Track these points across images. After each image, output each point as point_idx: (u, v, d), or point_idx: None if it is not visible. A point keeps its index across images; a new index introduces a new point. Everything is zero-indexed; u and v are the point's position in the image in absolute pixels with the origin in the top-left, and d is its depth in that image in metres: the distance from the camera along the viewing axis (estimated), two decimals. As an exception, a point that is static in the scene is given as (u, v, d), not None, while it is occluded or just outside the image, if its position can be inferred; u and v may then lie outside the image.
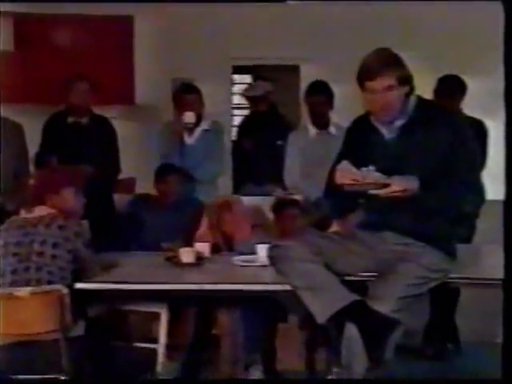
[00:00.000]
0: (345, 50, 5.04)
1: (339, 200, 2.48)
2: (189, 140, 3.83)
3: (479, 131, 3.62)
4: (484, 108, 4.02)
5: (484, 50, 4.73)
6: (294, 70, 5.59)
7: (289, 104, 5.51)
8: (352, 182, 2.28)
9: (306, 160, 3.86)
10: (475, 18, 4.78)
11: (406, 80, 2.36)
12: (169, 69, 5.29)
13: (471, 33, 5.04)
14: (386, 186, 2.26)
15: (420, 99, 2.44)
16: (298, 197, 3.70)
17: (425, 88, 3.90)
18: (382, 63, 2.32)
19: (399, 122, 2.40)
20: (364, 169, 2.29)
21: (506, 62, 2.15)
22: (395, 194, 2.27)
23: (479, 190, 2.36)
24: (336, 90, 3.87)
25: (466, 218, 2.47)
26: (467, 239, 3.46)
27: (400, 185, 2.27)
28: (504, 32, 2.14)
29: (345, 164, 2.33)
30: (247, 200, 3.72)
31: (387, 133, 2.43)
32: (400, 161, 2.36)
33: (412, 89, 2.40)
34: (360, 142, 2.48)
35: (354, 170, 2.29)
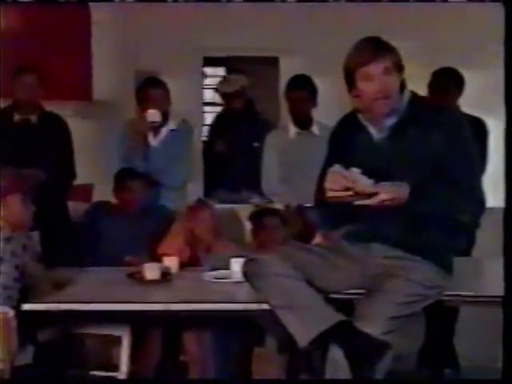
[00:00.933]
0: (330, 39, 5.08)
1: (331, 208, 2.50)
2: (154, 141, 3.83)
3: (478, 131, 3.68)
4: (484, 105, 4.09)
5: (485, 40, 4.81)
6: (273, 62, 5.62)
7: (267, 101, 5.52)
8: (339, 194, 2.30)
9: (286, 163, 3.88)
10: (476, 7, 4.86)
11: (400, 68, 2.39)
12: (131, 61, 5.28)
13: (471, 21, 5.12)
14: (373, 194, 2.28)
15: (414, 95, 2.46)
16: (278, 205, 3.72)
17: (418, 83, 3.99)
18: (376, 47, 2.35)
19: (390, 121, 2.42)
20: (354, 169, 2.31)
21: (507, 62, 2.23)
22: (384, 203, 2.30)
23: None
24: (320, 84, 3.89)
25: (463, 229, 2.49)
26: (466, 252, 3.51)
27: (389, 193, 2.29)
28: (504, 32, 2.23)
29: (336, 167, 2.35)
30: (221, 208, 3.73)
31: (376, 133, 2.46)
32: (390, 164, 2.38)
33: (404, 82, 2.43)
34: (346, 144, 2.50)
35: (345, 172, 2.31)
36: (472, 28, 5.11)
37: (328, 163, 2.49)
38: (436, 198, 2.34)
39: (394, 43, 2.42)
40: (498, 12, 2.36)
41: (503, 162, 2.27)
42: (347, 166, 2.35)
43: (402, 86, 2.42)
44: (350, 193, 2.28)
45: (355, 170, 2.31)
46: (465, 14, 4.96)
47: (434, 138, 2.36)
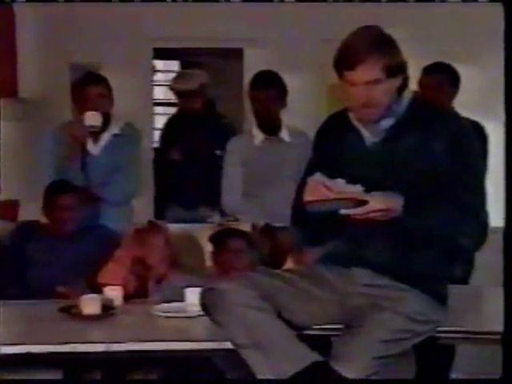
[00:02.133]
0: (305, 28, 5.12)
1: (312, 225, 2.50)
2: (93, 149, 3.82)
3: (478, 137, 3.72)
4: (481, 107, 4.16)
5: (484, 40, 4.90)
6: (237, 55, 5.64)
7: (230, 101, 5.55)
8: (321, 199, 2.30)
9: (252, 175, 3.89)
10: (475, 6, 4.96)
11: (398, 70, 2.39)
12: (66, 52, 5.24)
13: (470, 20, 5.22)
14: (362, 203, 2.29)
15: (416, 97, 2.49)
16: (243, 225, 3.72)
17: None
18: (365, 47, 2.34)
19: (386, 123, 2.44)
20: (339, 180, 2.31)
21: (507, 62, 2.28)
22: (373, 214, 2.31)
23: (483, 220, 2.39)
24: (290, 82, 3.91)
25: (462, 253, 2.51)
26: (463, 279, 3.53)
27: (380, 203, 2.30)
28: (504, 32, 2.30)
29: (318, 176, 2.35)
30: (175, 229, 3.71)
31: (369, 136, 2.47)
32: (383, 173, 2.40)
33: (406, 81, 2.44)
34: (333, 147, 2.52)
35: (328, 182, 2.31)
36: (471, 28, 5.21)
37: (311, 170, 2.49)
38: (433, 214, 2.35)
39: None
40: (497, 12, 2.43)
41: (503, 172, 2.29)
42: (333, 173, 2.35)
43: (404, 86, 2.44)
44: (335, 197, 2.28)
45: (340, 181, 2.31)
46: (464, 14, 5.07)
47: (435, 146, 2.38)
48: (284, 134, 3.90)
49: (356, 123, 2.49)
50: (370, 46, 2.34)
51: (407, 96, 2.46)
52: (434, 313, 2.44)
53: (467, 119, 3.72)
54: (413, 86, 3.84)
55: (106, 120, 3.77)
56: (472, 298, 3.10)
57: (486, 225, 2.40)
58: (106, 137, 3.83)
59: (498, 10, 2.38)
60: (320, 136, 2.63)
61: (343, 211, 2.30)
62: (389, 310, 2.36)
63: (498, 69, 2.47)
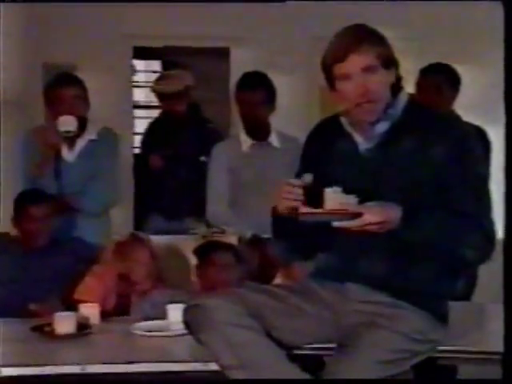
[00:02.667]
0: (294, 26, 5.14)
1: (297, 236, 2.51)
2: (68, 155, 3.81)
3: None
4: (481, 110, 4.18)
5: (484, 40, 4.94)
6: (222, 54, 5.66)
7: (215, 103, 5.56)
8: (312, 211, 2.30)
9: (239, 183, 3.89)
10: (475, 6, 5.01)
11: (391, 63, 2.41)
12: (38, 51, 5.23)
13: (470, 20, 5.26)
14: (356, 215, 2.29)
15: (412, 99, 2.49)
16: (229, 236, 3.72)
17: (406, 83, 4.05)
18: (356, 38, 2.36)
19: (381, 127, 2.44)
20: (328, 190, 2.31)
21: (507, 62, 2.31)
22: (368, 227, 2.31)
23: (486, 228, 2.39)
24: (280, 83, 3.92)
25: (466, 266, 2.51)
26: (465, 295, 3.55)
27: (375, 215, 2.29)
28: (504, 32, 2.32)
29: (309, 178, 2.35)
30: (156, 240, 3.71)
31: (363, 141, 2.47)
32: (378, 181, 2.40)
33: (400, 81, 2.45)
34: (324, 155, 2.52)
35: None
36: (471, 28, 5.24)
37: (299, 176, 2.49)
38: (433, 225, 2.35)
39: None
40: (497, 12, 2.47)
41: (503, 179, 2.30)
42: (325, 182, 2.35)
43: (398, 86, 2.44)
44: (328, 210, 2.28)
45: (336, 189, 2.31)
46: (464, 14, 5.10)
47: (433, 151, 2.38)
48: (273, 139, 3.91)
49: (349, 128, 2.49)
50: (361, 37, 2.37)
51: (403, 98, 2.46)
52: (433, 331, 2.44)
53: (468, 123, 3.76)
54: (410, 88, 3.89)
55: (82, 124, 3.77)
56: (474, 316, 3.11)
57: (492, 234, 2.39)
58: (81, 142, 3.82)
59: (498, 10, 2.41)
60: (309, 143, 2.63)
61: (336, 224, 2.31)
62: (386, 329, 2.36)
63: (497, 69, 2.49)
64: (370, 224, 2.29)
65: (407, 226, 2.31)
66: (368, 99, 2.37)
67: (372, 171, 2.42)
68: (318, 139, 2.59)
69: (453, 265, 2.44)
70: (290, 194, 2.33)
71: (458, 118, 2.69)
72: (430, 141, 2.39)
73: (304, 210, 2.31)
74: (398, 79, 2.45)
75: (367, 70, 2.35)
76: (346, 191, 2.32)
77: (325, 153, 2.52)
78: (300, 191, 2.32)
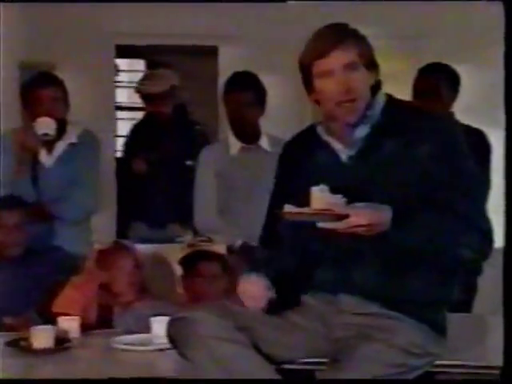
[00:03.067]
0: (286, 24, 5.15)
1: (284, 246, 2.52)
2: (46, 159, 3.82)
3: (478, 145, 3.76)
4: (481, 112, 4.20)
5: (484, 40, 4.97)
6: (210, 53, 5.66)
7: (202, 105, 5.56)
8: (297, 211, 2.31)
9: (227, 188, 3.90)
10: (476, 6, 5.05)
11: (372, 65, 2.43)
12: (15, 50, 5.21)
13: (470, 20, 5.29)
14: (343, 217, 2.30)
15: (390, 99, 2.50)
16: (217, 245, 3.72)
17: (403, 85, 4.07)
18: (339, 34, 2.39)
19: (360, 132, 2.45)
20: (315, 188, 2.32)
21: (507, 62, 2.33)
22: (356, 229, 2.31)
23: (481, 226, 2.40)
24: (270, 84, 3.93)
25: (465, 266, 2.51)
26: (465, 306, 3.55)
27: (363, 216, 2.30)
28: (504, 32, 2.36)
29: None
30: (140, 249, 3.71)
31: (343, 149, 2.48)
32: (364, 188, 2.40)
33: (379, 84, 2.47)
34: (304, 170, 2.52)
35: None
36: (471, 28, 5.27)
37: (277, 199, 2.52)
38: (425, 226, 2.36)
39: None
40: (497, 11, 2.49)
41: (503, 185, 2.31)
42: (302, 201, 2.35)
43: (376, 89, 2.46)
44: (313, 211, 2.29)
45: (323, 187, 2.32)
46: (464, 14, 5.13)
47: (418, 151, 2.39)
48: (263, 143, 3.91)
49: (326, 137, 2.50)
50: (343, 34, 2.40)
51: (381, 99, 2.47)
52: (431, 344, 2.44)
53: (466, 125, 3.78)
54: (408, 90, 3.91)
55: (61, 127, 3.77)
56: (474, 328, 3.11)
57: (488, 232, 2.41)
58: (60, 146, 3.82)
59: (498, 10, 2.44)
60: (285, 160, 2.64)
61: (320, 225, 2.31)
62: (380, 342, 2.36)
63: (497, 70, 2.50)
64: (358, 226, 2.29)
65: (398, 228, 2.32)
66: (349, 97, 2.39)
67: (357, 179, 2.42)
68: (295, 154, 2.59)
69: (450, 266, 2.45)
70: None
71: (438, 113, 2.68)
72: (412, 140, 2.40)
73: (289, 209, 2.32)
74: (378, 83, 2.46)
75: (350, 66, 2.38)
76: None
77: (304, 168, 2.53)
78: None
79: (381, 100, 2.47)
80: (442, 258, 2.41)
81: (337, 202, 2.30)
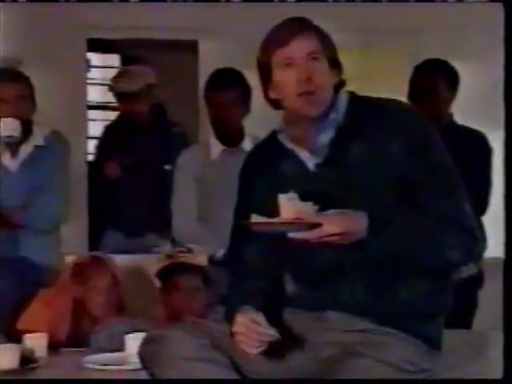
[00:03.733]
0: (271, 16, 5.15)
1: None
2: (10, 163, 3.82)
3: (478, 148, 3.80)
4: (481, 112, 4.23)
5: (484, 41, 5.02)
6: (190, 48, 5.67)
7: (181, 104, 5.57)
8: (265, 221, 2.33)
9: (208, 195, 3.92)
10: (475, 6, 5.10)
11: (334, 63, 2.46)
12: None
13: (470, 20, 5.33)
14: (314, 225, 2.32)
15: (354, 97, 2.52)
16: (198, 256, 3.72)
17: (399, 83, 4.09)
18: (300, 25, 2.43)
19: (325, 137, 2.45)
20: (283, 196, 2.34)
21: (507, 63, 2.39)
22: (330, 238, 2.32)
23: (466, 224, 2.41)
24: (255, 82, 3.92)
25: (454, 268, 2.53)
26: (465, 322, 3.59)
27: (336, 224, 2.30)
28: (504, 32, 2.43)
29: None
30: (115, 260, 3.72)
31: (309, 156, 2.48)
32: (335, 196, 2.40)
33: (342, 85, 2.49)
34: (269, 182, 2.52)
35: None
36: (471, 28, 5.32)
37: (240, 213, 2.55)
38: (405, 231, 2.37)
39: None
40: (497, 12, 2.55)
41: (503, 193, 2.34)
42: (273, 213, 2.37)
43: (339, 88, 2.48)
44: (283, 220, 2.31)
45: (292, 196, 2.33)
46: (464, 14, 5.18)
47: (389, 150, 2.41)
48: (247, 145, 3.91)
49: (289, 145, 2.50)
50: (304, 25, 2.43)
51: (343, 99, 2.49)
52: (425, 360, 2.45)
53: (466, 127, 3.82)
54: (404, 88, 3.94)
55: (27, 128, 3.77)
56: (472, 344, 3.15)
57: (473, 229, 2.42)
58: (26, 149, 3.82)
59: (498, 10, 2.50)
60: (247, 173, 2.65)
61: (291, 235, 2.32)
62: (371, 358, 2.36)
63: (497, 71, 2.55)
64: (331, 235, 2.30)
65: (375, 234, 2.33)
66: (311, 88, 2.40)
67: (327, 187, 2.43)
68: (258, 165, 2.61)
69: (438, 271, 2.46)
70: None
71: (407, 106, 2.67)
72: (380, 140, 2.42)
73: (256, 219, 2.34)
74: (342, 83, 2.48)
75: (311, 55, 2.40)
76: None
77: (269, 180, 2.54)
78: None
79: (343, 99, 2.48)
80: (428, 263, 2.42)
81: (307, 209, 2.31)
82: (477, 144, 3.80)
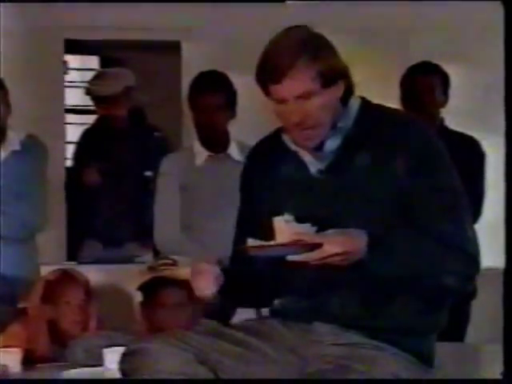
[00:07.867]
0: (258, 15, 5.17)
1: (257, 272, 2.55)
2: (-16, 169, 3.80)
3: (471, 155, 3.82)
4: (478, 116, 4.25)
5: (483, 41, 5.04)
6: (172, 49, 5.67)
7: (163, 108, 5.57)
8: (262, 244, 2.34)
9: (192, 202, 3.92)
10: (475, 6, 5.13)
11: (337, 75, 2.43)
12: None
13: (470, 20, 5.37)
14: (314, 247, 2.33)
15: (365, 104, 2.52)
16: (182, 268, 3.70)
17: (389, 89, 4.10)
18: (291, 53, 2.37)
19: (331, 144, 2.46)
20: (278, 219, 2.35)
21: (507, 63, 2.40)
22: (329, 259, 2.33)
23: (469, 250, 2.42)
24: (240, 85, 3.94)
25: (449, 295, 2.55)
26: (458, 335, 3.60)
27: (337, 244, 2.31)
28: (504, 32, 2.42)
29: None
30: (93, 271, 3.72)
31: (313, 161, 2.49)
32: (335, 205, 2.42)
33: (351, 88, 2.48)
34: (270, 181, 2.54)
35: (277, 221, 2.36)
36: (470, 28, 5.35)
37: (244, 212, 2.55)
38: (405, 252, 2.38)
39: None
40: (497, 12, 2.56)
41: (504, 198, 2.35)
42: (275, 210, 2.39)
43: (348, 94, 2.47)
44: (280, 242, 2.31)
45: (287, 218, 2.34)
46: (463, 14, 5.22)
47: (396, 164, 2.42)
48: (233, 151, 3.94)
49: (293, 146, 2.51)
50: (297, 50, 2.38)
51: (353, 107, 2.49)
52: (416, 376, 2.45)
53: (458, 132, 3.84)
54: (396, 90, 3.96)
55: (1, 132, 3.77)
56: (466, 358, 3.16)
57: (475, 255, 2.43)
58: (0, 154, 3.80)
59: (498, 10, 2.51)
60: (249, 169, 2.66)
61: (290, 257, 2.33)
62: (361, 374, 2.37)
63: (498, 71, 2.56)
64: (331, 256, 2.31)
65: (374, 255, 2.34)
66: (306, 126, 2.40)
67: (328, 194, 2.45)
68: (260, 163, 2.61)
69: (434, 296, 2.47)
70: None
71: (419, 120, 2.67)
72: (389, 152, 2.42)
73: (252, 243, 2.34)
74: (349, 86, 2.47)
75: (302, 97, 2.38)
76: (300, 220, 2.34)
77: (270, 178, 2.55)
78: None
79: (353, 108, 2.49)
80: (425, 287, 2.43)
81: (306, 230, 2.32)
82: (469, 149, 3.82)
